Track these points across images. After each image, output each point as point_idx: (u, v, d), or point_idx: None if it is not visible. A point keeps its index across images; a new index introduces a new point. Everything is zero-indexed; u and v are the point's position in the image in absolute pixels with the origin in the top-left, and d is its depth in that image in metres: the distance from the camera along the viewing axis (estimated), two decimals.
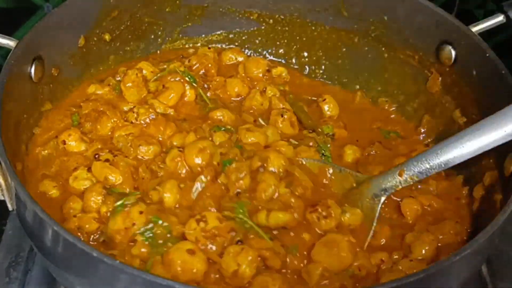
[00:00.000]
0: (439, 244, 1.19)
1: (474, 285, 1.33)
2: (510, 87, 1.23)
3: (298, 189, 1.24)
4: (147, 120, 1.34)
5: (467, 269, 1.08)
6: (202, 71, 1.49)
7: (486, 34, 1.37)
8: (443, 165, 1.19)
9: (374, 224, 1.24)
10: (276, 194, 1.21)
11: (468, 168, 1.32)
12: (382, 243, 1.23)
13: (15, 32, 1.74)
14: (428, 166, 1.20)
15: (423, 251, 1.17)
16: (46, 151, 1.29)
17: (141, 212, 1.13)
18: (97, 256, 0.94)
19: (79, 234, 1.15)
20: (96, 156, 1.26)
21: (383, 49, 1.51)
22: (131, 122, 1.34)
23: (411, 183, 1.23)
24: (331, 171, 1.31)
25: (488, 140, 1.15)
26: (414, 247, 1.18)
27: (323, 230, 1.19)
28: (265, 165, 1.24)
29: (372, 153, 1.38)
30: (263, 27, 1.59)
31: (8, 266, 1.32)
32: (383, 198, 1.25)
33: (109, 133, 1.33)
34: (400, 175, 1.23)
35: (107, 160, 1.24)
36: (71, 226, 1.16)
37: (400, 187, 1.24)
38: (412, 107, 1.50)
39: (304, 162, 1.31)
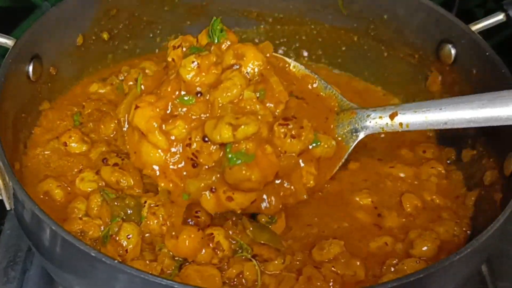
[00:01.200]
0: (439, 244, 1.19)
1: (474, 285, 1.33)
2: (511, 86, 1.22)
3: (270, 100, 1.08)
4: None
5: (467, 269, 1.08)
6: None
7: (487, 33, 1.36)
8: (442, 124, 1.06)
9: (342, 161, 1.13)
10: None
11: (469, 167, 1.32)
12: (389, 225, 1.21)
13: (13, 31, 1.73)
14: (424, 119, 1.07)
15: (425, 248, 1.16)
16: (47, 152, 1.28)
17: (128, 237, 1.11)
18: (96, 255, 0.94)
19: (81, 238, 1.14)
20: (104, 160, 1.24)
21: (383, 48, 1.51)
22: None
23: (399, 130, 1.11)
24: (315, 84, 1.18)
25: (500, 113, 1.04)
26: (416, 244, 1.17)
27: (284, 149, 1.05)
28: (239, 64, 1.08)
29: (381, 136, 1.35)
30: (262, 26, 1.58)
31: (6, 265, 1.31)
32: (361, 136, 1.14)
33: (112, 134, 1.32)
34: (392, 117, 1.11)
35: (115, 164, 1.23)
36: (74, 227, 1.15)
37: (385, 130, 1.13)
38: None
39: (292, 65, 1.18)
